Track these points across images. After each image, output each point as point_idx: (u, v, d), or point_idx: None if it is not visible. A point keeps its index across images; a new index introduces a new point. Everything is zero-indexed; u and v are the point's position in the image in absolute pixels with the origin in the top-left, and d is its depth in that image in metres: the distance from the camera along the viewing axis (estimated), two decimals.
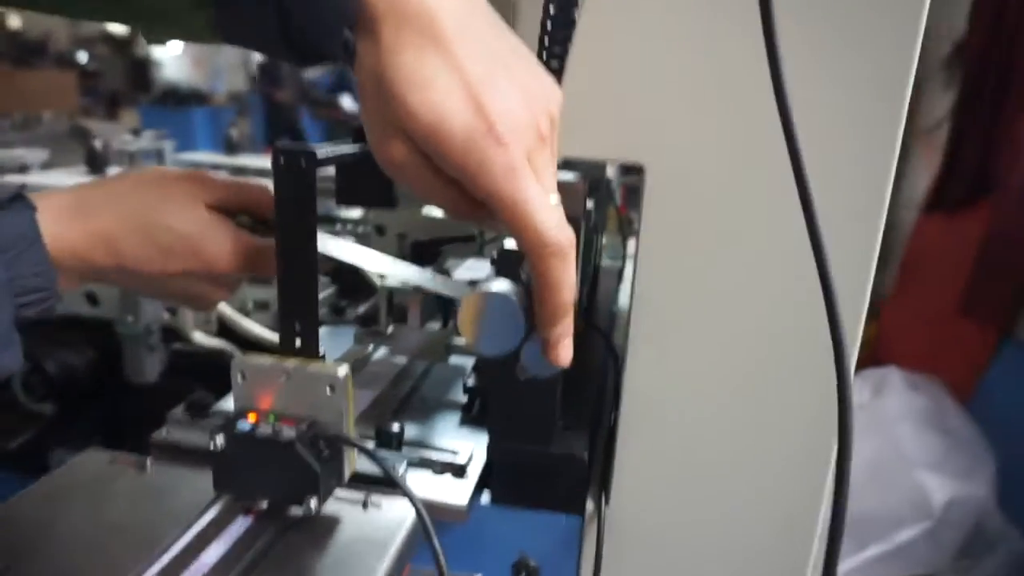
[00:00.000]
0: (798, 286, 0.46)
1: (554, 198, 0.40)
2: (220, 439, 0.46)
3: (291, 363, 0.48)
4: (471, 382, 0.68)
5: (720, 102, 0.44)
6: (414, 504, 0.46)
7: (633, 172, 0.52)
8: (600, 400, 0.60)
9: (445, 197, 0.41)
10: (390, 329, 0.73)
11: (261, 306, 1.08)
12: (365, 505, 0.51)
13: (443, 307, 0.71)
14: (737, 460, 0.50)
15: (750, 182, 0.45)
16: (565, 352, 0.42)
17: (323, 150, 0.48)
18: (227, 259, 0.49)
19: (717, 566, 0.53)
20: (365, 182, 0.54)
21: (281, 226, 0.46)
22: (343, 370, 0.47)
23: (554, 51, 0.52)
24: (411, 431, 0.60)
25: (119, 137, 1.73)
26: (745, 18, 0.41)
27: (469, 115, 0.37)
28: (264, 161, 1.69)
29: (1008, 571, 1.84)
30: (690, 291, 0.47)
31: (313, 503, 0.46)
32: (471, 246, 0.79)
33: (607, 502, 0.53)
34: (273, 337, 1.07)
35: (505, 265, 0.47)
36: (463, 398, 0.72)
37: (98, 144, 1.53)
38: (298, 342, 0.48)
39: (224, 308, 1.06)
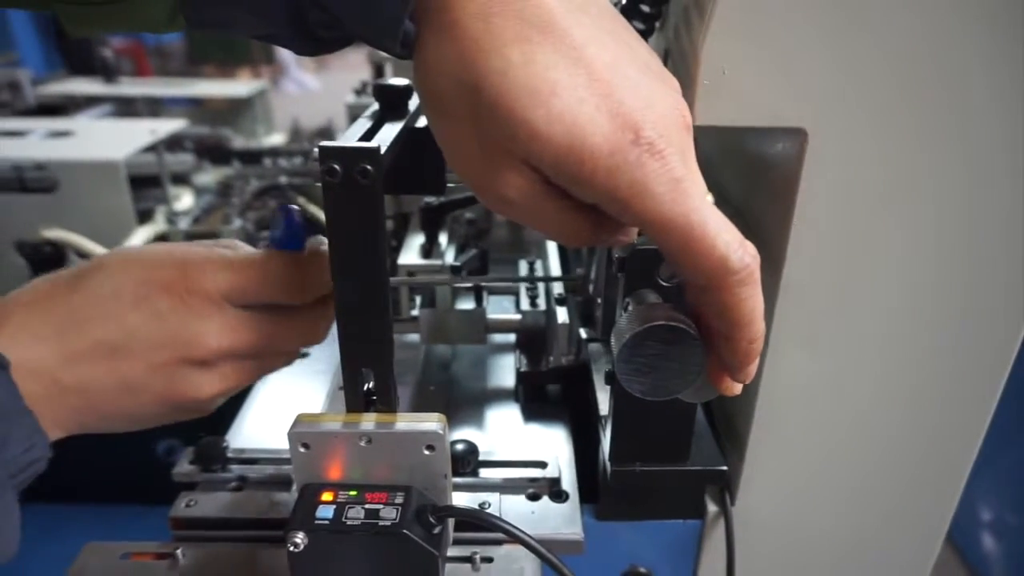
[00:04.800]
0: (967, 282, 0.39)
1: (710, 198, 0.30)
2: (300, 538, 0.36)
3: (368, 422, 0.37)
4: (524, 366, 0.59)
5: (892, 58, 0.34)
6: (548, 561, 0.38)
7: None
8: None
9: (574, 228, 0.31)
10: (413, 312, 0.61)
11: None
12: (474, 564, 0.42)
13: (474, 287, 0.60)
14: (879, 462, 0.46)
15: (924, 155, 0.36)
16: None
17: (378, 139, 0.35)
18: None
19: (845, 562, 0.49)
20: (409, 165, 0.41)
21: (343, 257, 0.34)
22: (439, 423, 0.37)
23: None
24: (475, 439, 0.51)
25: None
26: None
27: (608, 122, 0.27)
28: (146, 87, 1.43)
29: None
30: (850, 278, 0.39)
31: None
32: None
33: (733, 502, 0.47)
34: None
35: (639, 273, 0.37)
36: (508, 381, 0.63)
37: None
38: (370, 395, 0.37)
39: None
